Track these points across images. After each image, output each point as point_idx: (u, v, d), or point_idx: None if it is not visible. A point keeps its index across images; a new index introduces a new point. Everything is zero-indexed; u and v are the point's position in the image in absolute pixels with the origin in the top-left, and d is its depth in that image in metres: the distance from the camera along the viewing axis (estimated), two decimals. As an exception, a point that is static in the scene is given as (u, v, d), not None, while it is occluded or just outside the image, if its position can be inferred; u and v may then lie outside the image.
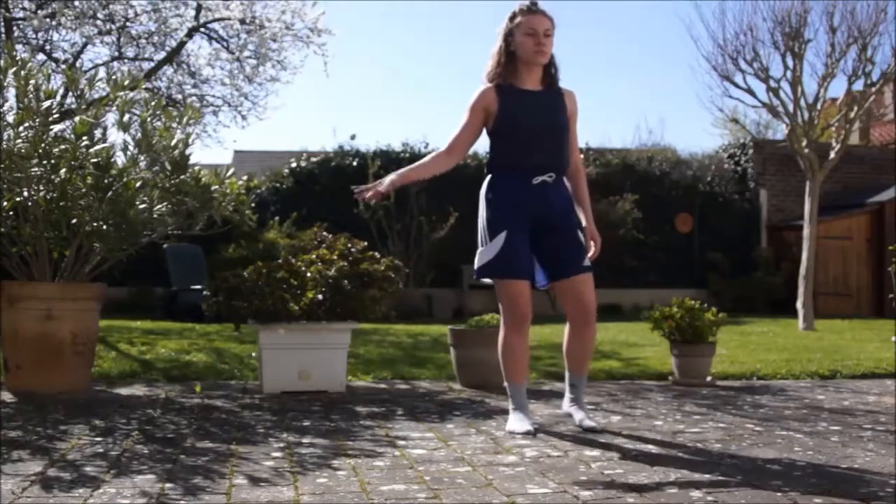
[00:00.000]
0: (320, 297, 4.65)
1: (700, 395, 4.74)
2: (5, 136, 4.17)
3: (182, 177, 4.61)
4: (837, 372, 5.79)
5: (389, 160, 12.76)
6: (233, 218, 5.00)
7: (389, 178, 3.44)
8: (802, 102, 10.28)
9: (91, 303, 4.58)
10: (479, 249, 3.45)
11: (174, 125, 4.67)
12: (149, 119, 4.60)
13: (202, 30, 9.66)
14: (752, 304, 12.82)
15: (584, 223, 3.56)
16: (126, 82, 4.58)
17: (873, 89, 10.44)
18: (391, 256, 5.59)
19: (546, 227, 3.43)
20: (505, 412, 3.70)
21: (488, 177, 3.51)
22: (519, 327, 3.40)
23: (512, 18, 3.45)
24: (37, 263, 4.62)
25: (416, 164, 3.57)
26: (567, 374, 3.62)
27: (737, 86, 10.59)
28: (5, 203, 4.43)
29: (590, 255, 3.51)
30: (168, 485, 2.48)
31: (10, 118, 4.24)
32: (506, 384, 3.51)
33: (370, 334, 7.61)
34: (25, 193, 4.39)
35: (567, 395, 3.63)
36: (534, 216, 3.41)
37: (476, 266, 3.47)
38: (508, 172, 3.45)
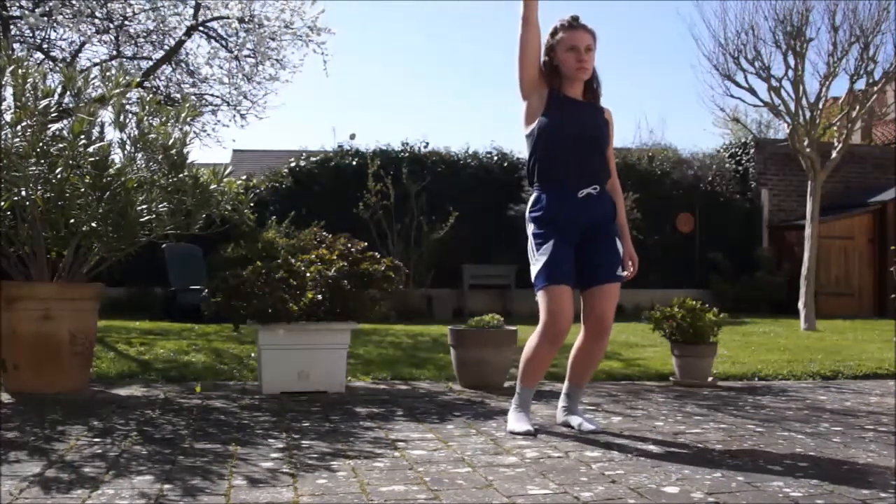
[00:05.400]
0: (320, 297, 4.63)
1: (701, 395, 4.72)
2: (3, 135, 4.14)
3: (180, 175, 4.59)
4: (839, 372, 5.78)
5: (389, 160, 12.77)
6: (232, 217, 4.98)
7: None
8: (804, 101, 10.26)
9: (89, 303, 4.56)
10: (532, 266, 3.40)
11: (171, 122, 4.64)
12: (145, 117, 4.57)
13: (201, 28, 9.63)
14: (754, 305, 12.78)
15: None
16: (122, 80, 4.55)
17: (875, 88, 10.41)
18: (391, 256, 5.57)
19: (588, 236, 3.40)
20: (505, 413, 3.68)
21: (534, 194, 3.45)
22: (554, 342, 3.35)
23: (553, 34, 3.42)
24: (35, 263, 4.60)
25: None
26: (566, 384, 3.60)
27: (738, 85, 10.58)
28: (2, 203, 4.41)
29: (626, 274, 3.48)
30: (167, 486, 2.47)
31: (7, 117, 4.22)
32: (518, 384, 3.49)
33: (370, 334, 7.59)
34: (23, 193, 4.37)
35: (560, 404, 3.62)
36: (581, 229, 3.38)
37: (533, 279, 3.39)
38: (555, 187, 3.39)
